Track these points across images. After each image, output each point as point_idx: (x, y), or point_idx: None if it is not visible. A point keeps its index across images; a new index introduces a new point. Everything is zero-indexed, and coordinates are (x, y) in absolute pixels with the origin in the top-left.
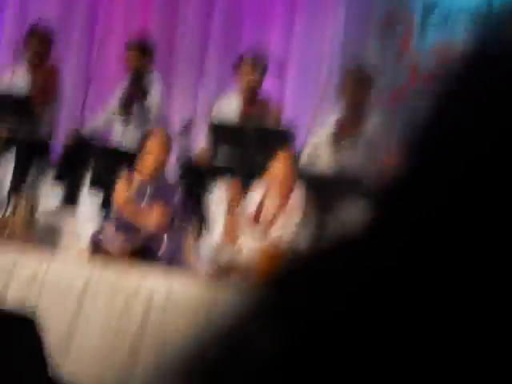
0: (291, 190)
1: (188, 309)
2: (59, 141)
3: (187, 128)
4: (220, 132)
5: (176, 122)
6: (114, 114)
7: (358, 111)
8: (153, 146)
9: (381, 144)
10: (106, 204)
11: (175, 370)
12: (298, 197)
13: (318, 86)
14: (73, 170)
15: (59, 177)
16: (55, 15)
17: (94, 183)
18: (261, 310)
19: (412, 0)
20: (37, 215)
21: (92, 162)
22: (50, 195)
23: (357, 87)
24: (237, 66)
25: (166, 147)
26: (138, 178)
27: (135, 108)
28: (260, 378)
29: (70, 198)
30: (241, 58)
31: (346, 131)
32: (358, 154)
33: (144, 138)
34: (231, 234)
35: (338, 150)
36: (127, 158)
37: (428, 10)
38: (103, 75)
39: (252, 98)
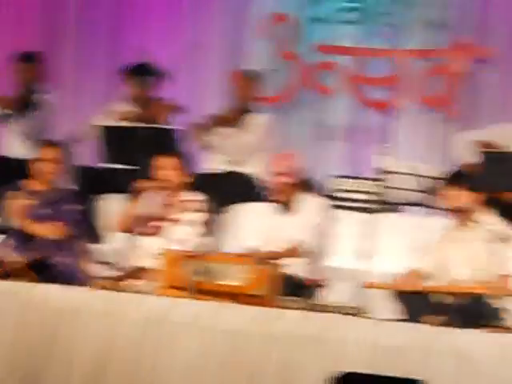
0: (187, 193)
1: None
2: None
3: (77, 137)
4: (111, 134)
5: (65, 132)
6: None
7: (244, 107)
8: (49, 155)
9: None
10: None
11: None
12: (194, 198)
13: (207, 88)
14: None
15: None
16: None
17: None
18: None
19: None
20: None
21: None
22: None
23: (243, 85)
24: (124, 74)
25: (62, 156)
26: (33, 187)
27: (26, 118)
28: None
29: None
30: (127, 67)
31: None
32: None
33: (38, 148)
34: (125, 224)
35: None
36: (18, 168)
37: (311, 6)
38: None
39: (142, 103)
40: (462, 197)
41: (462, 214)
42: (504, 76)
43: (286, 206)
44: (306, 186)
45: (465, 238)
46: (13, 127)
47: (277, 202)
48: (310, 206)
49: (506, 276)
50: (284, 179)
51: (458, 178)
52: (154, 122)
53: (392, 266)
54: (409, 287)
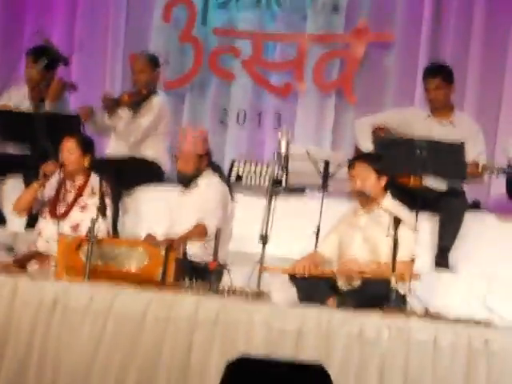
0: (85, 177)
1: None
2: None
3: None
4: (8, 119)
5: None
6: None
7: (142, 91)
8: None
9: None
10: None
11: None
12: (95, 184)
13: (107, 71)
14: None
15: None
16: None
17: None
18: None
19: None
20: None
21: None
22: None
23: (142, 68)
24: (25, 58)
25: None
26: None
27: None
28: None
29: None
30: (27, 51)
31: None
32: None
33: None
34: (21, 207)
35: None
36: None
37: None
38: None
39: (37, 84)
40: (371, 175)
41: (362, 196)
42: (401, 60)
43: (188, 181)
44: (210, 166)
45: (363, 221)
46: None
47: (180, 175)
48: (212, 186)
49: (402, 260)
50: (193, 148)
51: (367, 157)
52: (49, 103)
53: (291, 250)
54: (305, 271)
